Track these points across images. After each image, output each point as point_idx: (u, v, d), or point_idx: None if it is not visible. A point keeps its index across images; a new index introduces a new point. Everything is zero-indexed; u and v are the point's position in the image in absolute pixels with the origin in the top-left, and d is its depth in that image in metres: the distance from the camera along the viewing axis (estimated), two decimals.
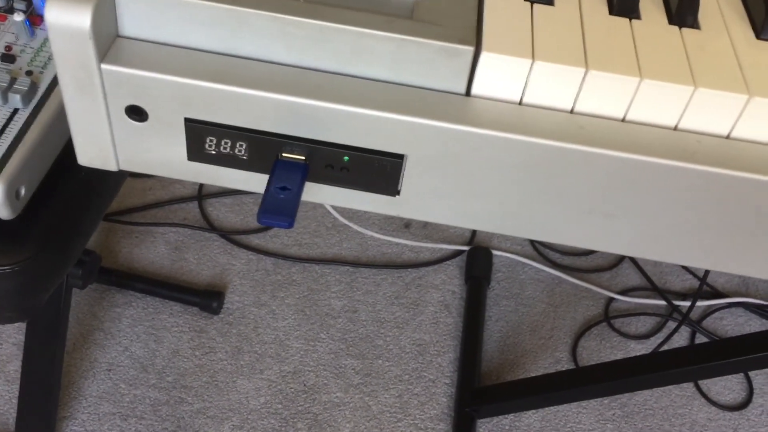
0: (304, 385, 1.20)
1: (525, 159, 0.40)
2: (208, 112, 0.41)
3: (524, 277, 1.40)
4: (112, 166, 0.44)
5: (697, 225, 0.42)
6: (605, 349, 1.32)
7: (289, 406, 1.17)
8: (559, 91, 0.40)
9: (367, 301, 1.32)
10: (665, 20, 0.44)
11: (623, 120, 0.41)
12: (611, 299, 1.37)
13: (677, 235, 0.43)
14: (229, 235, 1.37)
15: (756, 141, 0.41)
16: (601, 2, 0.45)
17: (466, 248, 1.40)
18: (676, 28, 0.43)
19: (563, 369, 1.28)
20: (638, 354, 1.31)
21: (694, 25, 0.44)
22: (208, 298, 1.25)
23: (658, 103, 0.40)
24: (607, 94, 0.40)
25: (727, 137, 0.41)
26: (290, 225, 0.38)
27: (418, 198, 0.43)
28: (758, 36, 0.44)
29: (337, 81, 0.41)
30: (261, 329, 1.25)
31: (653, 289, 1.39)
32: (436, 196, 0.43)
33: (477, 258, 1.38)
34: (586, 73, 0.40)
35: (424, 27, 0.40)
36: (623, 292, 1.38)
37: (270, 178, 0.40)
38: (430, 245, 1.41)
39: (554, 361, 1.29)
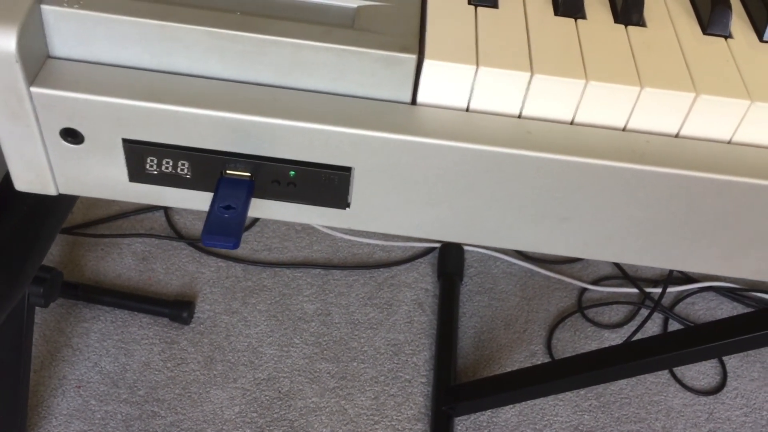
0: (279, 391, 1.19)
1: (473, 167, 0.40)
2: (147, 131, 0.39)
3: (496, 272, 1.40)
4: (51, 191, 0.42)
5: (651, 225, 0.41)
6: (580, 339, 1.32)
7: (264, 414, 1.16)
8: (506, 96, 0.40)
9: (340, 303, 1.31)
10: (611, 19, 0.43)
11: (572, 123, 0.40)
12: (584, 290, 1.37)
13: (632, 236, 0.42)
14: (197, 243, 1.36)
15: (705, 138, 0.40)
16: (547, 3, 0.44)
17: (437, 245, 1.40)
18: (622, 26, 0.43)
19: (539, 362, 1.28)
20: (613, 343, 1.32)
21: (640, 22, 0.43)
22: (177, 308, 1.23)
23: (605, 104, 0.39)
24: (554, 98, 0.39)
25: (677, 136, 0.40)
26: (235, 245, 0.37)
27: (369, 209, 0.43)
28: (704, 31, 0.43)
29: (278, 95, 0.40)
30: (233, 337, 1.24)
31: (625, 277, 1.39)
32: (387, 206, 0.42)
33: (449, 254, 1.37)
34: (531, 78, 0.39)
35: (364, 36, 0.39)
36: (595, 282, 1.38)
37: (213, 197, 0.39)
38: (401, 244, 1.40)
39: (529, 354, 1.29)
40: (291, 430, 1.15)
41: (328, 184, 0.41)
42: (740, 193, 0.39)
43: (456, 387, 1.22)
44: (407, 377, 1.23)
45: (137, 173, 0.41)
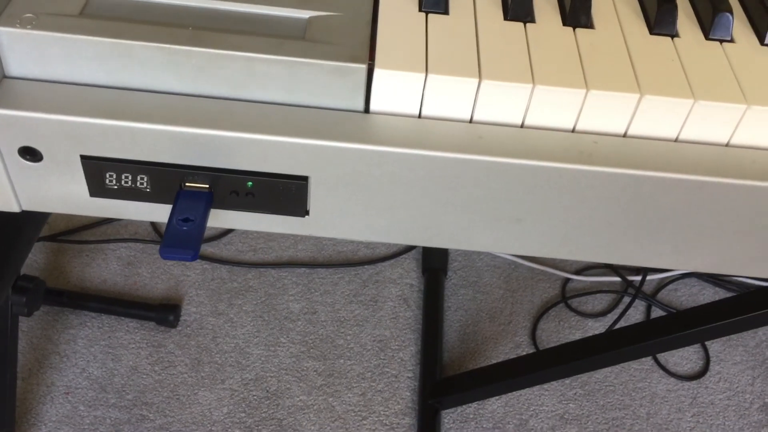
0: (267, 391, 1.19)
1: (427, 172, 0.40)
2: (104, 148, 0.40)
3: (480, 265, 1.41)
4: (14, 208, 0.43)
5: (603, 223, 0.42)
6: (564, 329, 1.33)
7: (253, 414, 1.16)
8: (456, 102, 0.41)
9: (326, 301, 1.32)
10: (560, 22, 0.44)
11: (522, 126, 0.41)
12: (567, 280, 1.39)
13: (585, 234, 0.43)
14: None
15: (652, 137, 0.41)
16: (497, 7, 0.45)
17: None
18: (570, 29, 0.44)
19: (524, 353, 1.29)
20: (597, 332, 1.33)
21: (588, 24, 0.44)
22: (164, 311, 1.24)
23: (553, 107, 0.40)
24: (503, 103, 0.40)
25: (624, 135, 0.41)
26: (194, 257, 0.38)
27: (328, 217, 0.43)
28: (651, 31, 0.44)
29: (233, 107, 0.40)
30: (220, 338, 1.25)
31: (608, 266, 1.41)
32: (346, 213, 0.43)
33: (433, 249, 1.38)
34: (479, 84, 0.40)
35: (315, 47, 0.40)
36: (578, 272, 1.40)
37: (172, 210, 0.40)
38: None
39: (514, 345, 1.30)
40: (279, 428, 1.15)
41: (285, 193, 0.42)
42: (687, 190, 0.40)
43: (442, 380, 1.23)
44: (394, 372, 1.24)
45: (97, 188, 0.41)
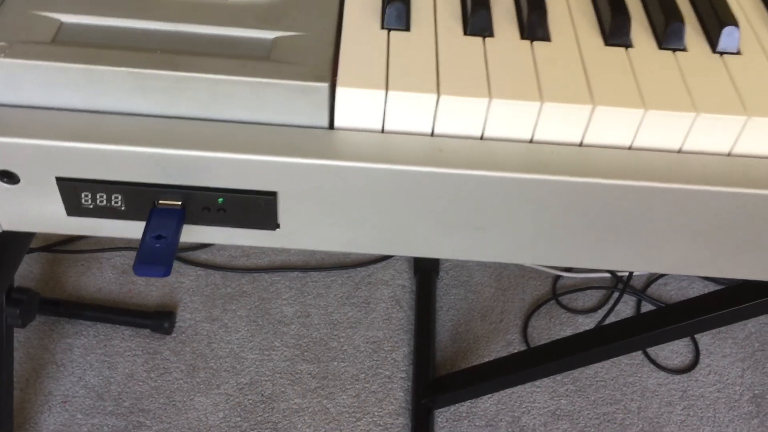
0: (262, 395, 1.21)
1: (390, 186, 0.42)
2: (78, 169, 0.41)
3: (471, 264, 1.42)
4: None
5: (563, 229, 0.44)
6: (555, 326, 1.35)
7: (248, 418, 1.18)
8: (417, 117, 0.42)
9: (319, 304, 1.34)
10: (518, 36, 0.46)
11: (481, 138, 0.43)
12: (558, 277, 1.40)
13: (548, 240, 0.45)
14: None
15: (606, 145, 0.43)
16: (457, 23, 0.46)
17: None
18: (527, 42, 0.45)
19: (515, 350, 1.31)
20: (587, 328, 1.35)
21: (545, 37, 0.45)
22: (158, 318, 1.25)
23: (511, 120, 0.42)
24: (462, 116, 0.42)
25: (580, 145, 0.43)
26: (166, 273, 0.39)
27: (298, 229, 0.45)
28: (606, 42, 0.46)
29: (201, 127, 0.42)
30: (215, 344, 1.26)
31: None
32: (315, 225, 0.45)
33: None
34: (438, 99, 0.41)
35: (279, 67, 0.41)
36: (569, 269, 1.41)
37: (145, 228, 0.42)
38: None
39: (506, 343, 1.32)
40: (275, 431, 1.17)
41: (255, 208, 0.43)
42: (641, 196, 0.42)
43: (435, 380, 1.24)
44: (387, 373, 1.26)
45: (74, 208, 0.43)
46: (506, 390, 1.26)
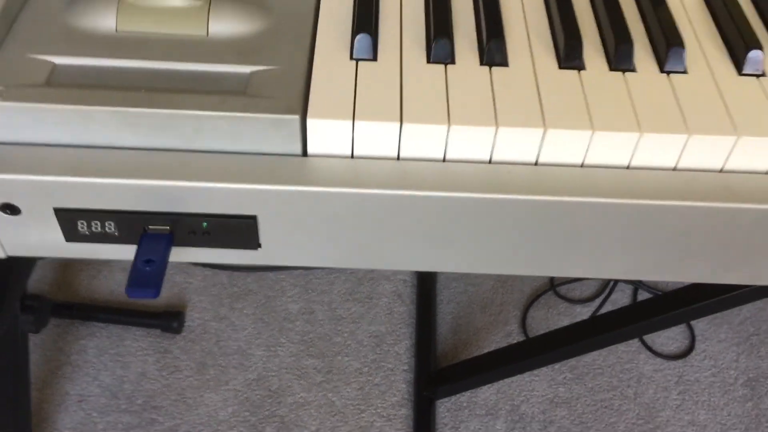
0: (269, 390, 1.26)
1: (360, 207, 0.45)
2: (74, 200, 0.45)
3: None
4: (0, 255, 0.48)
5: (523, 242, 0.47)
6: (553, 316, 1.38)
7: (256, 413, 1.23)
8: (382, 143, 0.45)
9: (323, 300, 1.38)
10: (477, 62, 0.49)
11: (444, 161, 0.46)
12: None
13: (510, 252, 0.48)
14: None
15: (560, 164, 0.46)
16: (421, 52, 0.49)
17: None
18: (486, 68, 0.48)
19: (514, 341, 1.34)
20: (585, 317, 1.38)
21: (503, 62, 0.49)
22: (168, 318, 1.30)
23: (470, 143, 0.45)
24: (424, 141, 0.45)
25: (535, 164, 0.46)
26: (155, 295, 0.43)
27: (279, 248, 0.49)
28: (560, 65, 0.49)
29: (185, 158, 0.45)
30: (223, 342, 1.31)
31: None
32: (294, 244, 0.48)
33: None
34: (401, 127, 0.45)
35: (255, 102, 0.45)
36: None
37: (136, 253, 0.45)
38: None
39: (505, 334, 1.36)
40: (282, 425, 1.22)
41: (237, 230, 0.47)
42: (593, 211, 0.45)
43: (437, 372, 1.28)
44: (390, 366, 1.30)
45: (71, 235, 0.47)
46: (506, 379, 1.29)
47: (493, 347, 1.34)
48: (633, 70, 0.49)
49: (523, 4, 0.54)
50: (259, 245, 0.48)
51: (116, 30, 0.49)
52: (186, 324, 1.32)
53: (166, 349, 1.29)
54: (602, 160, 0.46)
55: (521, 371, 1.26)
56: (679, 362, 1.32)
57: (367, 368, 1.29)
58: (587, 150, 0.45)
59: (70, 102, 0.44)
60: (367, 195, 0.45)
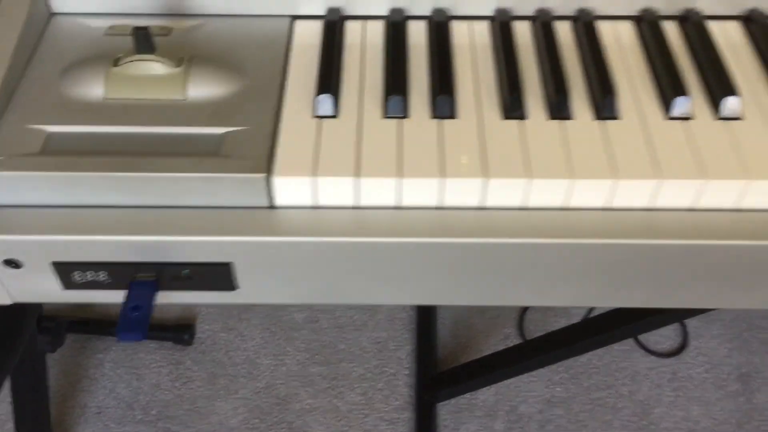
0: (277, 397, 1.32)
1: (323, 254, 0.51)
2: (69, 255, 0.51)
3: None
4: (6, 301, 0.54)
5: (468, 278, 0.52)
6: (549, 318, 1.43)
7: (265, 419, 1.29)
8: (342, 195, 0.51)
9: (327, 309, 1.44)
10: (428, 116, 0.54)
11: (397, 208, 0.51)
12: None
13: (453, 285, 0.53)
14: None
15: (503, 207, 0.51)
16: (378, 108, 0.55)
17: None
18: (436, 121, 0.53)
19: (512, 344, 1.39)
20: (580, 318, 1.42)
21: (452, 115, 0.54)
22: (179, 331, 1.36)
23: (420, 192, 0.50)
24: (379, 192, 0.50)
25: (481, 209, 0.51)
26: (142, 338, 0.49)
27: (255, 289, 0.54)
28: (505, 115, 0.53)
29: (165, 215, 0.51)
30: (232, 352, 1.37)
31: None
32: (269, 285, 0.54)
33: None
34: (357, 180, 0.50)
35: (225, 162, 0.50)
36: None
37: (124, 301, 0.51)
38: None
39: (503, 337, 1.40)
40: (290, 430, 1.28)
41: (215, 276, 0.52)
42: (532, 250, 0.50)
43: (437, 375, 1.33)
44: (392, 371, 1.35)
45: (68, 283, 0.53)
46: (504, 381, 1.34)
47: (491, 350, 1.39)
48: (570, 118, 0.53)
49: (474, 59, 0.58)
50: (236, 287, 0.54)
51: (104, 98, 0.54)
52: (197, 336, 1.39)
53: (178, 361, 1.35)
54: (540, 203, 0.50)
55: (519, 373, 1.31)
56: (673, 359, 1.36)
57: (370, 374, 1.35)
58: (527, 195, 0.50)
59: (62, 169, 0.50)
60: (329, 243, 0.50)
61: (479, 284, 0.53)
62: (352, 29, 0.61)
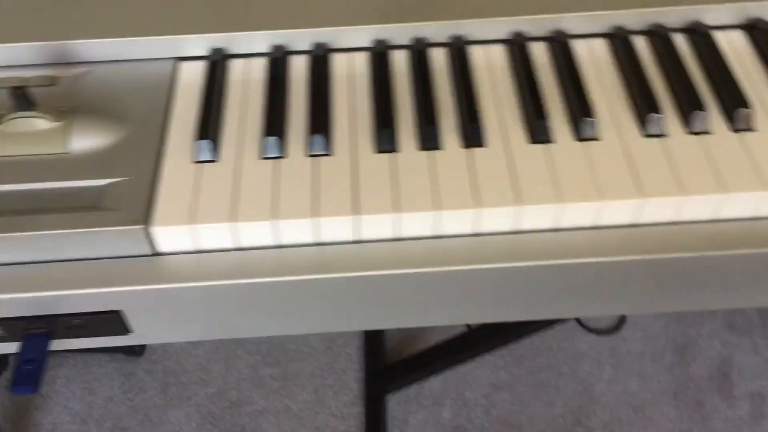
0: (229, 401, 1.34)
1: (207, 296, 0.53)
2: None
3: None
4: None
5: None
6: None
7: (218, 424, 1.31)
8: (220, 239, 0.53)
9: None
10: (303, 154, 0.56)
11: (278, 247, 0.54)
12: None
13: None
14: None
15: (376, 239, 0.53)
16: (255, 149, 0.57)
17: None
18: (309, 159, 0.56)
19: (457, 333, 1.43)
20: None
21: (328, 152, 0.56)
22: None
23: (295, 231, 0.53)
24: (258, 233, 0.52)
25: (357, 242, 0.53)
26: (35, 391, 0.51)
27: (149, 330, 0.56)
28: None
29: (52, 269, 0.53)
30: (183, 360, 1.39)
31: None
32: (161, 326, 0.56)
33: None
34: (234, 225, 0.52)
35: (105, 215, 0.52)
36: None
37: (18, 353, 0.53)
38: None
39: (450, 327, 1.44)
40: None
41: (107, 323, 0.54)
42: (404, 281, 0.53)
43: (385, 368, 1.37)
44: (342, 367, 1.38)
45: None
46: (451, 369, 1.38)
47: (439, 339, 1.42)
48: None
49: (351, 91, 0.61)
50: (130, 331, 0.56)
51: None
52: (147, 346, 1.41)
53: (130, 372, 1.37)
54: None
55: (464, 361, 1.35)
56: (612, 336, 1.40)
57: (320, 371, 1.38)
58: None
59: None
60: (211, 286, 0.52)
61: (359, 311, 0.55)
62: (235, 68, 0.63)
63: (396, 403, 1.34)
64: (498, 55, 0.63)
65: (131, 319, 0.55)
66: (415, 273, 0.52)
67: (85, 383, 1.36)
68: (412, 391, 1.35)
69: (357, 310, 0.55)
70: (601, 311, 0.57)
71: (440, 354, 1.31)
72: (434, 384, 1.36)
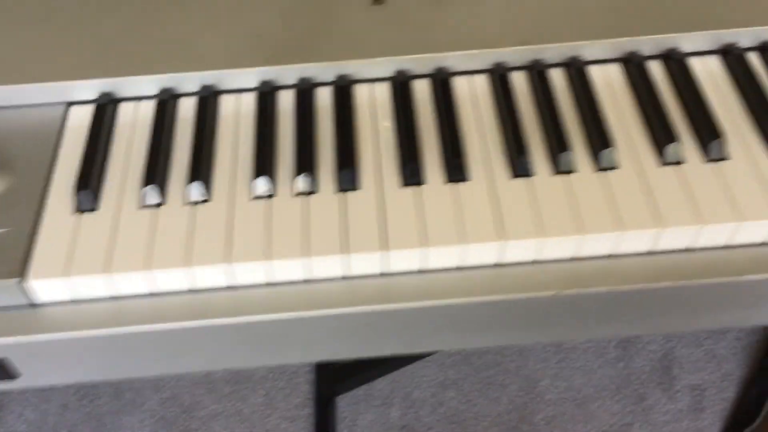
0: (182, 406, 1.37)
1: (84, 345, 0.55)
2: None
3: None
4: None
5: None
6: None
7: (171, 429, 1.34)
8: (97, 290, 0.54)
9: None
10: (180, 203, 0.57)
11: (151, 295, 0.55)
12: None
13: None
14: None
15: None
16: (135, 198, 0.58)
17: None
18: (189, 207, 0.57)
19: None
20: None
21: (207, 199, 0.57)
22: None
23: (171, 281, 0.54)
24: (134, 283, 0.54)
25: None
26: None
27: (39, 374, 0.58)
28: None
29: None
30: None
31: None
32: (50, 370, 0.58)
33: None
34: (109, 276, 0.54)
35: None
36: None
37: None
38: None
39: None
40: None
41: None
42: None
43: (334, 370, 1.39)
44: (293, 369, 1.41)
45: None
46: (399, 369, 1.41)
47: None
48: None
49: (236, 132, 0.62)
50: (17, 376, 0.58)
51: None
52: None
53: None
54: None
55: (413, 360, 1.37)
56: None
57: (272, 374, 1.40)
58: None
59: None
60: (88, 336, 0.54)
61: (230, 354, 0.57)
62: (125, 111, 0.64)
63: (346, 405, 1.37)
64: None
65: (18, 365, 0.57)
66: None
67: (41, 391, 1.38)
68: (361, 392, 1.38)
69: (224, 350, 0.57)
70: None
71: (387, 356, 1.34)
72: (383, 384, 1.39)
